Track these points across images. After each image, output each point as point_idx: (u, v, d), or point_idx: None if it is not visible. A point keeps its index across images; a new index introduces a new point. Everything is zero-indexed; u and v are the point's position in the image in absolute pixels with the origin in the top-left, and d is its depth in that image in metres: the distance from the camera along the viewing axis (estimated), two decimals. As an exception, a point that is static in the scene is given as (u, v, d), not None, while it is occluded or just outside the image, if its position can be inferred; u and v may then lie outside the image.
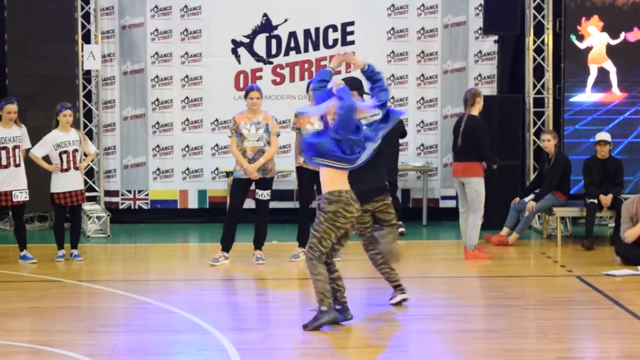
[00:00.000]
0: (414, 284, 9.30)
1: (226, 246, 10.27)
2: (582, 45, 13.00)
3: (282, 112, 13.33)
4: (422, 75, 13.68)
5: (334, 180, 7.13)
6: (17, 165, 10.39)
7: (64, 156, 10.47)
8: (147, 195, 13.66)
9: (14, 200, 10.37)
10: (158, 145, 13.60)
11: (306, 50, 13.64)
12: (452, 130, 10.89)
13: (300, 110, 10.48)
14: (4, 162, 10.32)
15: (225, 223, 10.35)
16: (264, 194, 10.26)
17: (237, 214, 10.33)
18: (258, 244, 10.42)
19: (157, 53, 13.60)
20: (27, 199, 10.49)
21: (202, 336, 6.91)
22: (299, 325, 7.51)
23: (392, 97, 13.62)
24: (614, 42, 12.96)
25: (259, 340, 6.95)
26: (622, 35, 12.94)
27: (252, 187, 10.31)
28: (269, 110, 10.54)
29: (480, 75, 13.66)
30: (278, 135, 10.46)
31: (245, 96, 10.32)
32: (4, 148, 10.30)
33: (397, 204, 10.73)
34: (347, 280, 9.55)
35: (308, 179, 10.39)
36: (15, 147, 10.35)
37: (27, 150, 10.50)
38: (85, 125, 13.13)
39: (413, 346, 6.69)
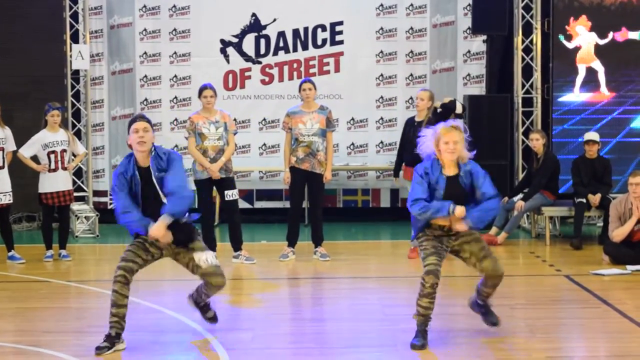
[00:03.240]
0: (403, 283, 9.31)
1: (211, 246, 10.26)
2: (570, 45, 13.02)
3: (271, 112, 13.40)
4: (411, 75, 13.69)
5: None
6: (0, 168, 10.34)
7: (52, 156, 10.45)
8: (135, 195, 13.60)
9: (-3, 203, 10.32)
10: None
11: (295, 50, 13.63)
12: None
13: (292, 110, 10.47)
14: (-16, 165, 10.28)
15: (202, 225, 10.25)
16: (232, 194, 10.23)
17: (212, 214, 10.60)
18: (237, 245, 10.38)
19: (145, 53, 13.59)
20: (11, 201, 10.45)
21: (193, 336, 6.88)
22: (288, 325, 7.49)
23: (381, 97, 13.67)
24: (602, 42, 12.99)
25: (248, 340, 6.94)
26: (610, 35, 12.96)
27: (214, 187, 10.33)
28: (224, 109, 10.51)
29: (469, 75, 13.68)
30: (235, 134, 10.44)
31: (199, 95, 10.27)
32: (-15, 151, 10.27)
33: None
34: (336, 280, 9.58)
35: (300, 179, 10.38)
36: (-2, 149, 10.32)
37: (14, 153, 10.45)
38: (74, 125, 13.12)
39: (402, 345, 6.69)
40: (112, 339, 6.50)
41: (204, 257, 6.54)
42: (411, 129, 10.52)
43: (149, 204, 6.50)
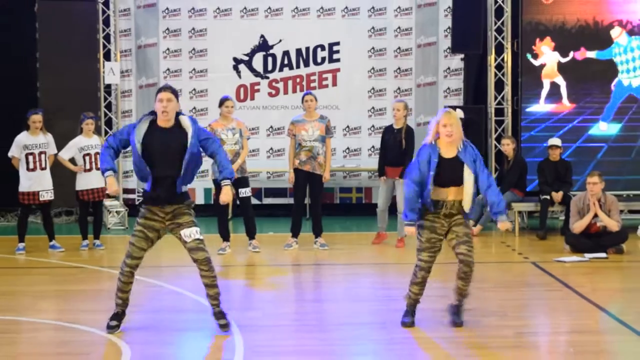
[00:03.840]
0: (391, 269, 9.32)
1: (226, 236, 10.28)
2: (536, 63, 13.02)
3: (277, 120, 13.41)
4: (399, 88, 13.68)
5: None
6: (42, 169, 10.35)
7: (87, 158, 10.46)
8: (159, 192, 13.60)
9: (40, 199, 10.33)
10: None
11: (298, 66, 13.63)
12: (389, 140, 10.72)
13: (296, 118, 10.47)
14: (30, 166, 10.27)
15: (219, 220, 10.29)
16: (245, 191, 10.22)
17: (225, 210, 10.46)
18: (251, 235, 10.39)
19: (168, 69, 13.58)
20: (52, 198, 10.46)
21: (208, 315, 6.90)
22: (292, 305, 7.49)
23: (372, 107, 13.67)
24: (564, 60, 12.99)
25: (257, 318, 6.94)
26: (571, 54, 12.96)
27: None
28: (239, 117, 10.51)
29: (448, 88, 13.68)
30: (248, 139, 10.43)
31: (220, 105, 10.23)
32: (30, 154, 10.26)
33: None
34: (333, 266, 9.58)
35: (303, 178, 10.38)
36: (41, 153, 10.31)
37: (55, 155, 10.47)
38: (106, 132, 13.11)
39: (391, 323, 6.69)
40: (120, 317, 6.50)
41: (188, 233, 6.31)
42: (391, 136, 10.53)
43: (162, 157, 6.28)
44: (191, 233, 6.33)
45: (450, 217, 6.48)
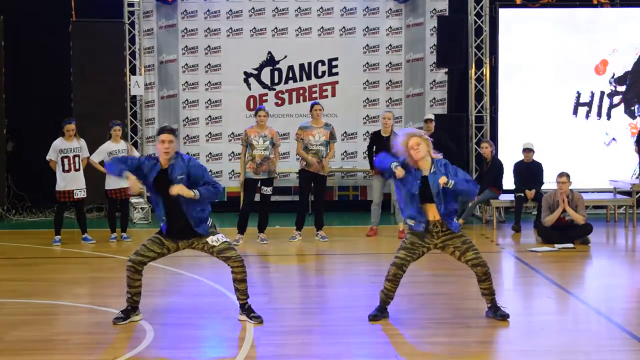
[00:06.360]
0: (384, 259, 9.32)
1: (242, 230, 10.29)
2: (512, 76, 13.06)
3: (282, 127, 13.41)
4: (390, 98, 13.71)
5: None
6: (76, 170, 10.39)
7: (116, 161, 10.48)
8: (179, 191, 13.61)
9: (74, 197, 10.37)
10: (188, 153, 13.41)
11: (301, 79, 13.66)
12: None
13: (304, 124, 10.48)
14: (66, 168, 10.32)
15: (240, 213, 10.32)
16: (266, 190, 10.24)
17: (251, 206, 10.28)
18: (262, 228, 10.41)
19: (187, 82, 13.61)
20: (85, 196, 10.50)
21: (222, 299, 6.92)
22: (296, 290, 7.51)
23: (367, 115, 13.70)
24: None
25: (265, 302, 6.96)
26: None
27: (259, 184, 10.29)
28: (273, 126, 10.54)
29: (434, 98, 13.70)
30: (279, 146, 10.44)
31: (255, 114, 10.28)
32: (66, 157, 10.32)
33: None
34: (333, 256, 9.61)
35: (308, 178, 10.39)
36: (75, 156, 10.36)
37: (87, 158, 10.51)
38: (132, 138, 13.14)
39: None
40: (128, 312, 6.26)
41: (215, 238, 6.17)
42: (379, 143, 10.48)
43: (164, 196, 6.10)
44: (217, 238, 6.17)
45: (438, 232, 6.11)
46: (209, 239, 6.17)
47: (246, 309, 6.31)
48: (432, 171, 6.05)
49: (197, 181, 6.09)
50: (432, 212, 6.11)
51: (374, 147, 10.72)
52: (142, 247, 6.26)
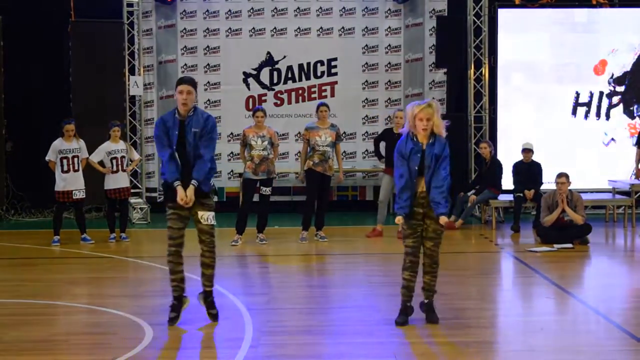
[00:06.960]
0: (382, 259, 9.32)
1: (241, 230, 10.27)
2: (511, 76, 13.06)
3: (282, 127, 13.41)
4: (389, 98, 13.70)
5: None
6: (75, 171, 10.37)
7: (114, 161, 10.49)
8: (178, 191, 13.59)
9: (73, 197, 10.36)
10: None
11: (300, 79, 13.64)
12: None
13: (310, 125, 10.46)
14: (65, 168, 10.30)
15: (239, 213, 10.31)
16: (266, 190, 10.24)
17: (250, 207, 10.28)
18: (261, 228, 10.40)
19: (186, 82, 13.57)
20: (84, 196, 10.49)
21: (221, 299, 6.92)
22: (295, 290, 7.51)
23: (366, 116, 13.69)
24: (535, 74, 13.02)
25: (264, 302, 6.96)
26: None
27: (257, 184, 10.27)
28: (271, 126, 10.53)
29: (433, 99, 13.61)
30: (277, 146, 10.43)
31: (253, 114, 10.28)
32: (65, 158, 10.30)
33: None
34: (332, 256, 9.60)
35: (315, 179, 10.35)
36: (74, 157, 10.34)
37: (86, 159, 10.50)
38: (131, 138, 13.13)
39: (382, 306, 6.71)
40: (177, 307, 6.20)
41: (205, 216, 6.09)
42: (391, 139, 10.51)
43: (178, 148, 6.12)
44: (208, 217, 6.13)
45: (425, 205, 6.10)
46: (200, 213, 6.12)
47: (209, 302, 6.29)
48: (430, 142, 6.12)
49: (202, 137, 6.10)
50: (421, 184, 6.13)
51: (384, 143, 10.73)
52: (169, 230, 6.12)
